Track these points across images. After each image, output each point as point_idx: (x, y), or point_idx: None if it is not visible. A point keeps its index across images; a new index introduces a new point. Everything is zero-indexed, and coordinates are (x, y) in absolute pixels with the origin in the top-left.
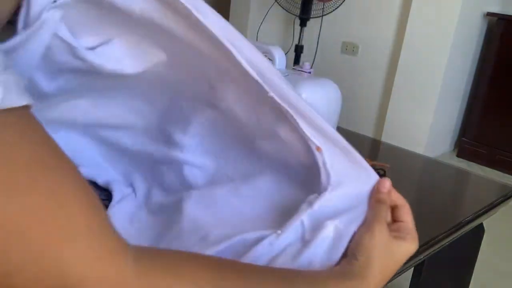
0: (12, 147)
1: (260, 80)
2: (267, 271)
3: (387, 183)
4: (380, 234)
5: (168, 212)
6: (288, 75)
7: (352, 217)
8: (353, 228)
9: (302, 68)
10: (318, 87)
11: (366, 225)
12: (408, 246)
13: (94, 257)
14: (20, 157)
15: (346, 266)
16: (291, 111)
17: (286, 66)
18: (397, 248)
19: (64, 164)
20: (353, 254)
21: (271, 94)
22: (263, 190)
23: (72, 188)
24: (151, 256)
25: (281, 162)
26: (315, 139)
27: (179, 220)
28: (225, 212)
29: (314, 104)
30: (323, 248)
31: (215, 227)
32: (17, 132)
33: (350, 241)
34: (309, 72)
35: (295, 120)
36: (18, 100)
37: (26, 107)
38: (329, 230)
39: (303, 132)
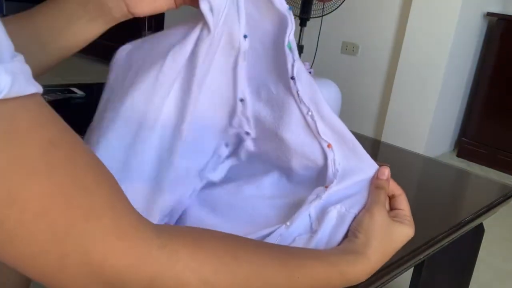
0: (26, 133)
1: (294, 75)
2: (276, 245)
3: (386, 171)
4: (379, 216)
5: (170, 216)
6: None
7: (353, 202)
8: (354, 211)
9: None
10: (318, 87)
11: (366, 208)
12: (407, 229)
13: (118, 233)
14: (35, 141)
15: (347, 244)
16: (313, 111)
17: None
18: (396, 229)
19: (77, 144)
20: (354, 233)
21: (301, 93)
22: (265, 190)
23: (89, 167)
24: (171, 229)
25: (283, 164)
26: (326, 137)
27: (184, 222)
28: (228, 213)
29: None
30: (328, 231)
31: (222, 227)
32: (29, 118)
33: (352, 223)
34: (309, 72)
35: (314, 121)
36: (26, 87)
37: (35, 94)
38: (332, 214)
39: (317, 131)
